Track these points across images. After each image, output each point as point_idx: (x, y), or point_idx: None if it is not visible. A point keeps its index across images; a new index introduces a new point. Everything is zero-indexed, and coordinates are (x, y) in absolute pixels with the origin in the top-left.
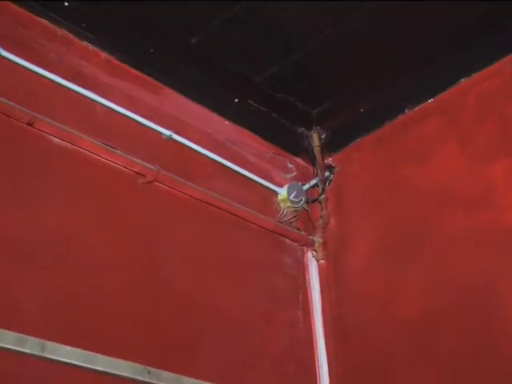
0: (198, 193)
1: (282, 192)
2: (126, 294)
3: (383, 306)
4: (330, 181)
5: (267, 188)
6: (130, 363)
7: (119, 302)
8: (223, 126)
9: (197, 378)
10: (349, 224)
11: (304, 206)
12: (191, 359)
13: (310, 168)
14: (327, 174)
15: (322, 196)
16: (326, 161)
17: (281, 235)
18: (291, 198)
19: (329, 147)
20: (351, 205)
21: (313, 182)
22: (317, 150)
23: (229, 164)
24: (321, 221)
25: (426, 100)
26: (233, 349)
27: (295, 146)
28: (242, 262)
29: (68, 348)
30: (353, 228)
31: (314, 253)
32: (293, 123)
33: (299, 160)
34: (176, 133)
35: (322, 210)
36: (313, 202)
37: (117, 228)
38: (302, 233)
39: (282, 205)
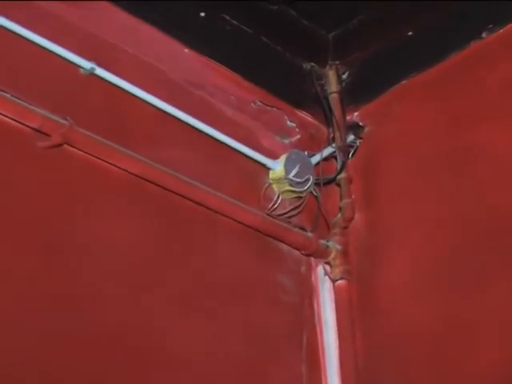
0: (137, 165)
1: (277, 167)
2: (20, 326)
3: (440, 354)
4: (356, 149)
5: (252, 160)
6: None
7: (8, 341)
8: (182, 57)
9: None
10: (385, 221)
11: (312, 190)
12: None
13: (323, 128)
14: (351, 138)
15: (343, 175)
16: (348, 117)
17: (274, 238)
18: (291, 176)
19: (354, 95)
20: (389, 190)
21: (327, 151)
22: (334, 99)
23: (190, 120)
24: (339, 215)
25: None
26: None
27: (299, 92)
28: (209, 279)
29: None
30: (392, 228)
31: (329, 268)
32: (296, 54)
33: (305, 115)
34: (102, 66)
35: (341, 197)
36: (327, 183)
37: (4, 218)
38: (309, 234)
39: (275, 188)
